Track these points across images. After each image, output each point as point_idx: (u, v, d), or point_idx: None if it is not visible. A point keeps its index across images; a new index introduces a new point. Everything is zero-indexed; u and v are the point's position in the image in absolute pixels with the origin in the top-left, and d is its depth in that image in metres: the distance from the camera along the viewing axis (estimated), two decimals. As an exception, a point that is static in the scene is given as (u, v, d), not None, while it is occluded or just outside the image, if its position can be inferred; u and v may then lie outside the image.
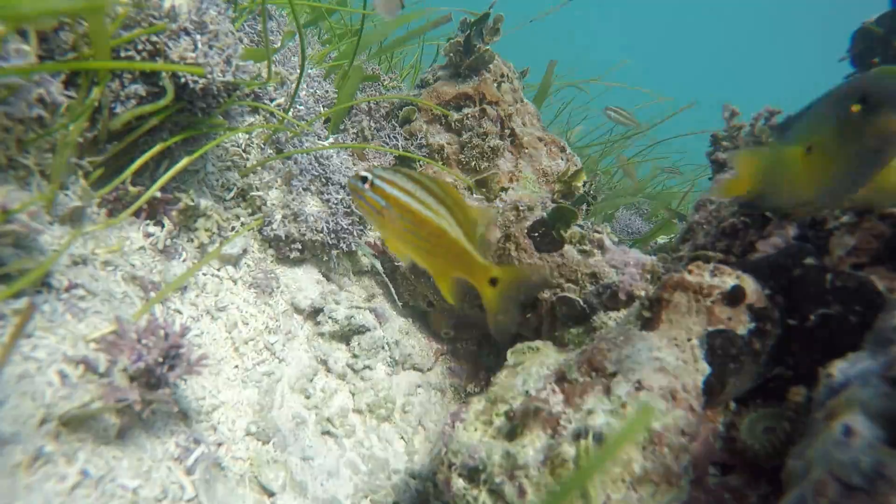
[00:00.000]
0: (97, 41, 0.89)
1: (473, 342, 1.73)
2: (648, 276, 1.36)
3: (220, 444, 1.06)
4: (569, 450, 0.85)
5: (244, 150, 1.46)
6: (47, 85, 0.91)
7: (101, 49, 0.90)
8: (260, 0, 1.32)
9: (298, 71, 1.74)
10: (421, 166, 1.81)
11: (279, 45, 1.75)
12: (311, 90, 1.79)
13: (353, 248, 1.57)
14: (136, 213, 1.19)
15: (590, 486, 0.81)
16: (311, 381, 1.34)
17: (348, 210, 1.52)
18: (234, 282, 1.34)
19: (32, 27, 0.88)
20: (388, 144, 1.84)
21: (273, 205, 1.45)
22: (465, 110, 1.83)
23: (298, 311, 1.44)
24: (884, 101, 0.70)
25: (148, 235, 1.18)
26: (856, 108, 0.71)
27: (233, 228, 1.38)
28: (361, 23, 1.82)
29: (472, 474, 0.93)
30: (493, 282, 0.89)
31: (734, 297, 0.98)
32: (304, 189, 1.49)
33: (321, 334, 1.45)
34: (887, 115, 0.70)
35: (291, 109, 1.62)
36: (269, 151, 1.51)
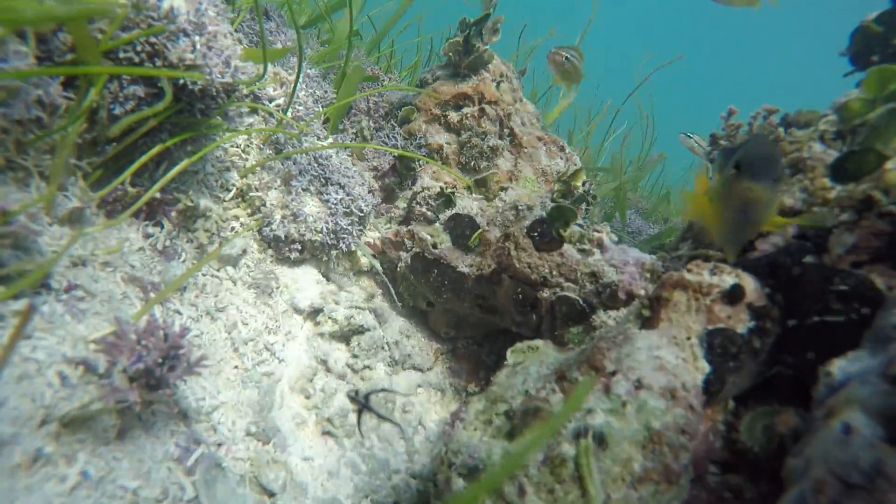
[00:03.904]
0: (84, 46, 0.88)
1: (473, 341, 1.73)
2: (648, 275, 1.36)
3: (220, 445, 1.06)
4: (569, 449, 0.85)
5: (243, 151, 1.46)
6: (46, 87, 0.91)
7: (91, 53, 0.90)
8: None
9: (297, 71, 1.74)
10: (420, 166, 1.81)
11: (271, 39, 1.75)
12: (311, 90, 1.79)
13: (353, 249, 1.57)
14: (136, 214, 1.19)
15: (590, 484, 0.80)
16: (311, 381, 1.34)
17: (347, 210, 1.52)
18: (234, 282, 1.34)
19: (31, 29, 0.88)
20: (387, 144, 1.84)
21: (272, 205, 1.45)
22: (465, 110, 1.83)
23: (298, 311, 1.44)
24: (748, 169, 0.82)
25: (147, 236, 1.18)
26: (733, 171, 0.83)
27: (232, 229, 1.38)
28: (350, 23, 1.82)
29: (473, 473, 0.93)
30: None
31: (734, 295, 0.98)
32: (304, 189, 1.49)
33: (321, 334, 1.45)
34: (744, 182, 0.82)
35: (290, 109, 1.62)
36: (269, 152, 1.51)
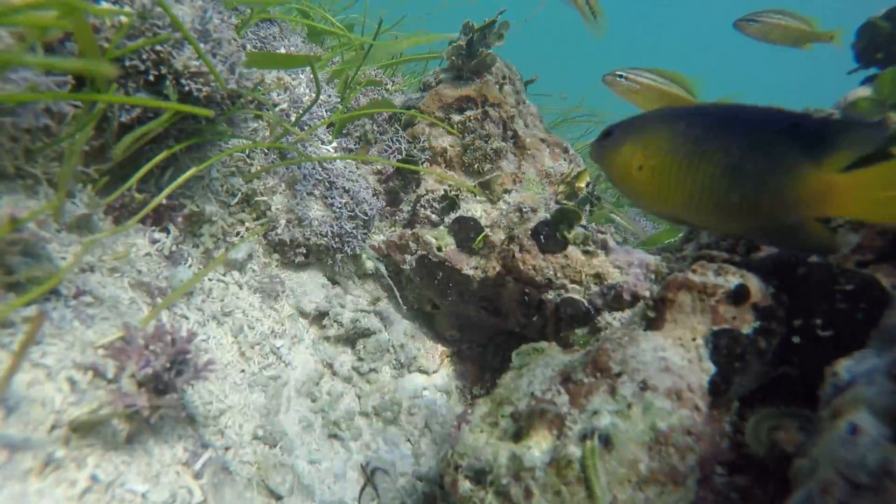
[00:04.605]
0: (101, 82, 0.90)
1: (479, 344, 1.73)
2: (652, 277, 1.36)
3: (227, 449, 1.07)
4: (574, 451, 0.85)
5: (248, 156, 1.47)
6: (54, 95, 0.92)
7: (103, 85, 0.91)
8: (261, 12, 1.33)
9: (303, 76, 1.75)
10: (425, 167, 1.81)
11: (275, 45, 1.77)
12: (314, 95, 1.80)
13: (358, 252, 1.58)
14: (143, 220, 1.20)
15: (596, 486, 0.81)
16: (318, 384, 1.35)
17: (352, 214, 1.53)
18: (240, 287, 1.35)
19: (39, 41, 0.90)
20: (390, 148, 1.84)
21: (277, 209, 1.45)
22: (468, 112, 1.83)
23: (304, 314, 1.45)
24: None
25: (154, 242, 1.20)
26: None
27: (238, 233, 1.39)
28: (371, 45, 1.83)
29: (479, 476, 0.94)
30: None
31: (739, 296, 0.98)
32: (308, 193, 1.49)
33: (327, 338, 1.46)
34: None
35: (294, 112, 1.63)
36: (273, 157, 1.52)
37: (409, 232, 1.67)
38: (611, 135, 0.81)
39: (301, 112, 1.48)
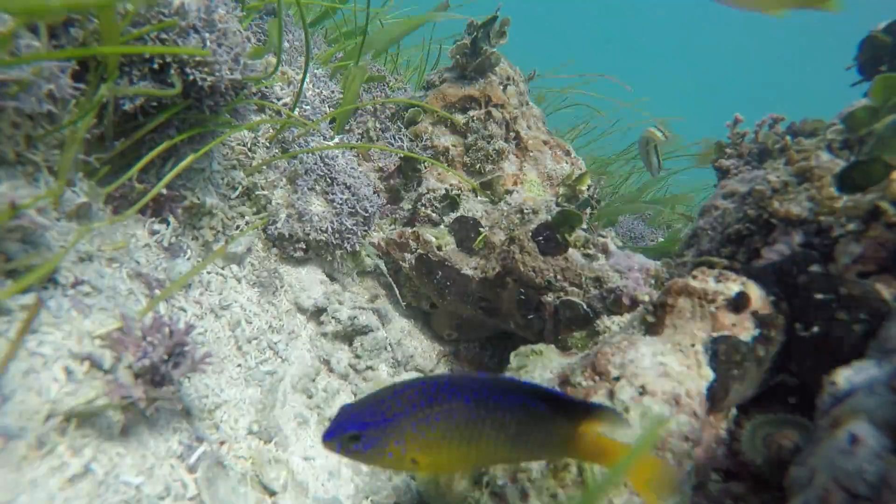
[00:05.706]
0: (107, 36, 0.89)
1: (476, 344, 1.73)
2: (652, 281, 1.36)
3: (222, 443, 1.06)
4: (572, 454, 0.85)
5: (250, 149, 1.46)
6: (56, 80, 0.91)
7: (112, 42, 0.90)
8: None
9: (304, 69, 1.74)
10: (426, 167, 1.81)
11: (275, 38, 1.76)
12: (318, 90, 1.79)
13: (357, 249, 1.58)
14: (142, 211, 1.19)
15: (593, 489, 0.80)
16: (314, 380, 1.34)
17: (353, 210, 1.53)
18: (238, 280, 1.34)
19: (43, 21, 0.89)
20: (393, 145, 1.84)
21: (278, 204, 1.45)
22: (471, 112, 1.83)
23: (302, 310, 1.44)
24: None
25: (153, 233, 1.19)
26: None
27: (237, 227, 1.38)
28: (366, 22, 1.83)
29: (475, 477, 0.93)
30: None
31: (739, 303, 0.98)
32: (309, 189, 1.49)
33: (324, 334, 1.45)
34: None
35: (297, 108, 1.63)
36: (275, 151, 1.52)
37: (410, 230, 1.66)
38: (360, 438, 0.72)
39: (297, 92, 1.47)
